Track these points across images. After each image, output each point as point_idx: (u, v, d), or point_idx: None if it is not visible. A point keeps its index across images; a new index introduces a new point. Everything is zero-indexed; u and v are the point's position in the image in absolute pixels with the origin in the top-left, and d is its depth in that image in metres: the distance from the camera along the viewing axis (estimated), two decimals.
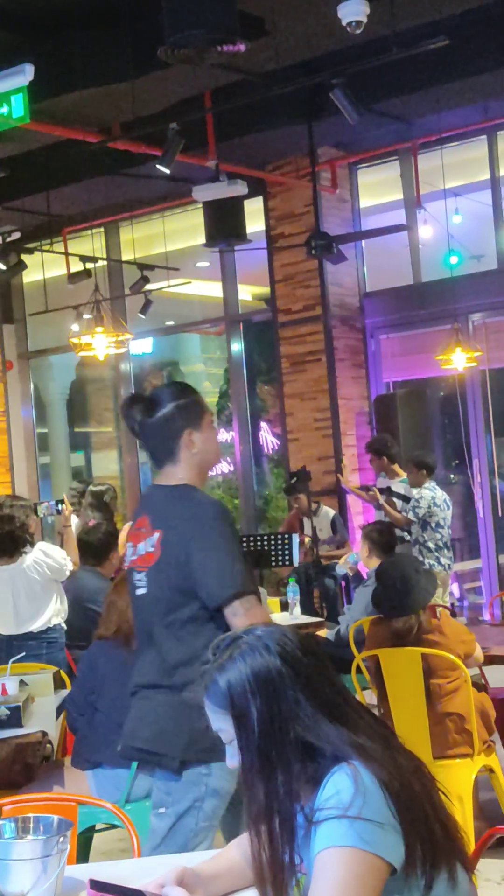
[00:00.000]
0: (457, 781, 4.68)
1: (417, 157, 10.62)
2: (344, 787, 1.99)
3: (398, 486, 9.38)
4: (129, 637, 4.61)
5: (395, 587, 4.83)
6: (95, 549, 6.58)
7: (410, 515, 8.95)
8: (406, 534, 9.15)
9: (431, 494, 8.98)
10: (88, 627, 6.36)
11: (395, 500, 9.27)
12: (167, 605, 3.30)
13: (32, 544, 6.03)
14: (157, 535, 3.35)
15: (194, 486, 3.44)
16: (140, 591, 3.40)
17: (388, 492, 9.34)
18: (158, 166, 7.52)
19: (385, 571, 5.00)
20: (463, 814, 4.57)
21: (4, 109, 5.96)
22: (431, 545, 8.90)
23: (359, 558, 7.93)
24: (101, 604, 6.55)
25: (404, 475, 9.38)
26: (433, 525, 8.93)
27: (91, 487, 9.00)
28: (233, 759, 2.14)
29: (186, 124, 7.58)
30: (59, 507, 6.60)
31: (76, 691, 4.72)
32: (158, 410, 3.42)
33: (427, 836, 2.03)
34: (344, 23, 5.79)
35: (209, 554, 3.25)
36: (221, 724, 2.15)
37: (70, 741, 5.52)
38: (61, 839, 2.29)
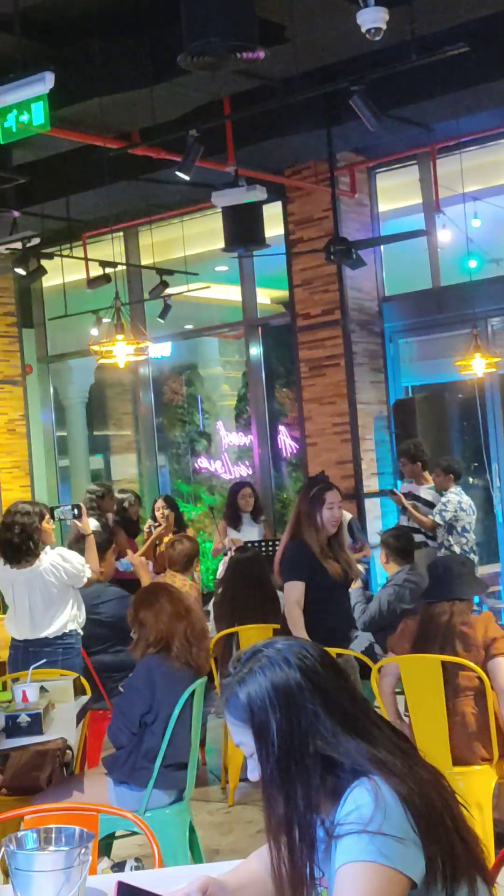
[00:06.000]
0: (477, 789, 4.68)
1: (436, 161, 10.62)
2: (364, 802, 2.00)
3: (426, 492, 9.37)
4: (170, 645, 4.62)
5: (437, 576, 5.00)
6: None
7: (437, 519, 8.96)
8: (429, 539, 9.14)
9: (458, 499, 8.99)
10: (93, 633, 6.40)
11: (420, 505, 9.26)
12: None
13: (38, 549, 5.98)
14: None
15: None
16: None
17: (413, 497, 9.34)
18: (178, 173, 7.54)
19: (433, 565, 5.22)
20: (482, 822, 4.57)
21: (25, 117, 5.97)
22: (457, 549, 8.90)
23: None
24: (102, 608, 6.61)
25: (431, 482, 9.38)
26: (459, 529, 8.94)
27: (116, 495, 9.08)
28: (253, 772, 2.15)
29: (206, 130, 7.59)
30: (76, 511, 6.57)
31: (132, 709, 4.59)
32: None
33: (447, 850, 2.03)
34: (363, 29, 5.78)
35: None
36: (242, 738, 2.16)
37: (91, 751, 5.54)
38: (83, 851, 2.30)
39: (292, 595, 5.71)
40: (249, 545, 8.44)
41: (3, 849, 2.34)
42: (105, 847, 4.80)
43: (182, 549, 7.31)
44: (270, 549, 8.50)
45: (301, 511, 5.86)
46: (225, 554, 9.10)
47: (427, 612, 4.95)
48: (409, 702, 4.88)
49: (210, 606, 7.44)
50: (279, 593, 6.98)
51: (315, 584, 5.71)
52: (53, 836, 2.42)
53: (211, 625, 6.79)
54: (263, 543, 8.70)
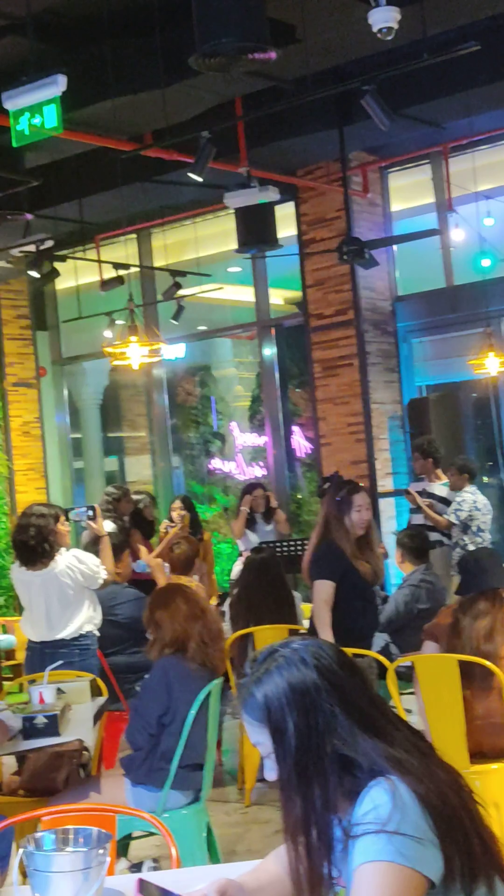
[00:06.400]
0: (494, 788, 4.67)
1: (449, 160, 10.60)
2: (382, 801, 2.00)
3: (439, 489, 9.36)
4: (186, 646, 4.63)
5: (469, 571, 4.99)
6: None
7: (452, 518, 8.93)
8: (445, 538, 9.12)
9: (473, 498, 8.97)
10: (109, 634, 6.40)
11: (436, 503, 9.25)
12: None
13: (53, 551, 5.98)
14: None
15: None
16: None
17: (427, 495, 9.33)
18: (190, 174, 7.54)
19: (463, 560, 5.23)
20: (500, 821, 4.56)
21: (37, 120, 5.98)
22: (472, 549, 8.87)
23: None
24: (118, 609, 6.61)
25: (445, 479, 9.36)
26: (474, 529, 8.91)
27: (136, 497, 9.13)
28: (270, 772, 2.15)
29: (218, 131, 7.59)
30: (90, 513, 6.58)
31: (148, 710, 4.58)
32: None
33: (465, 850, 2.03)
34: (374, 29, 5.76)
35: None
36: (259, 738, 2.16)
37: (107, 752, 5.53)
38: (101, 851, 2.31)
39: (322, 594, 5.69)
40: (264, 545, 8.44)
41: (21, 850, 2.34)
42: (122, 848, 4.81)
43: (180, 552, 7.32)
44: (285, 549, 8.49)
45: (329, 514, 5.82)
46: (240, 555, 9.11)
47: (464, 603, 4.94)
48: (425, 701, 4.86)
49: (226, 607, 7.44)
50: (295, 594, 6.99)
51: (346, 584, 5.69)
52: (71, 836, 2.42)
53: (227, 625, 6.79)
54: (278, 544, 8.69)
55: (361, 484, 10.50)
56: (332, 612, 5.65)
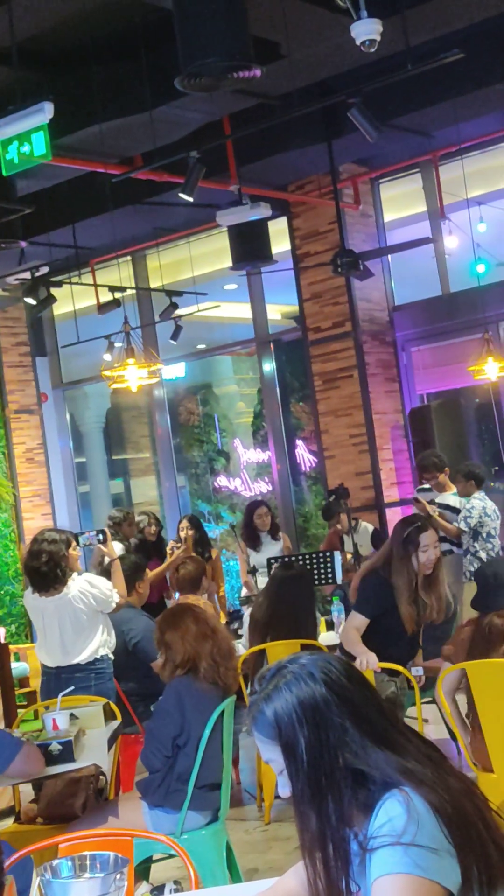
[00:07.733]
0: None
1: (439, 168, 10.63)
2: (396, 813, 2.00)
3: (449, 498, 9.31)
4: (197, 666, 4.62)
5: (486, 583, 4.96)
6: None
7: (462, 525, 8.90)
8: (454, 546, 9.09)
9: (482, 504, 8.93)
10: (122, 659, 6.37)
11: (447, 512, 9.21)
12: None
13: (66, 576, 5.96)
14: None
15: None
16: None
17: (439, 505, 9.28)
18: (181, 195, 7.56)
19: (480, 571, 5.16)
20: None
21: (26, 148, 6.01)
22: (483, 555, 8.84)
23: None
24: (131, 634, 6.57)
25: (454, 488, 9.32)
26: (484, 535, 8.87)
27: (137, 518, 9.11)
28: (283, 788, 2.15)
29: (207, 151, 7.62)
30: (100, 537, 6.57)
31: (163, 732, 4.56)
32: None
33: (482, 858, 2.02)
34: (358, 42, 5.79)
35: None
36: (271, 755, 2.16)
37: (124, 776, 5.51)
38: (118, 876, 2.30)
39: (353, 623, 5.71)
40: (283, 561, 8.35)
41: (38, 878, 2.34)
42: (143, 871, 4.79)
43: (185, 572, 7.29)
44: (309, 561, 8.36)
45: (395, 555, 5.62)
46: (250, 572, 9.06)
47: (482, 621, 4.90)
48: (478, 708, 4.80)
49: (243, 623, 7.41)
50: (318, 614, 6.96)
51: (382, 622, 5.64)
52: (88, 863, 2.41)
53: (245, 635, 6.75)
54: (304, 556, 8.58)
55: (367, 495, 10.52)
56: (366, 630, 5.65)
